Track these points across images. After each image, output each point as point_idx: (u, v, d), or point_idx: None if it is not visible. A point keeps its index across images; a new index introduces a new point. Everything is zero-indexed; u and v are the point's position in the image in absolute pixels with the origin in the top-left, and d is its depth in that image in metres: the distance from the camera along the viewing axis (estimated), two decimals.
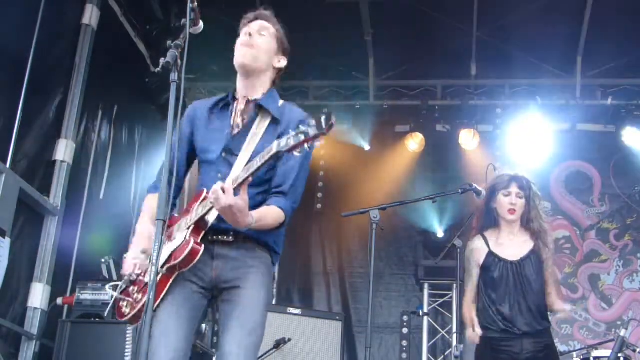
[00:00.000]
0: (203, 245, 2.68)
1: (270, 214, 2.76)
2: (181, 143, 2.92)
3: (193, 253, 2.65)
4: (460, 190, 4.52)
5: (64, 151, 5.61)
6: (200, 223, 2.72)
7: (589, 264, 7.78)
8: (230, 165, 2.82)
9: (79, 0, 5.96)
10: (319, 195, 8.24)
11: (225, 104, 2.99)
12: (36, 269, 5.32)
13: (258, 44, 2.94)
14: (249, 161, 2.70)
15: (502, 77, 7.95)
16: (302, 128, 2.40)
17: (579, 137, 8.04)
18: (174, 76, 2.60)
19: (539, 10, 6.99)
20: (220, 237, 2.77)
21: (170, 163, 2.55)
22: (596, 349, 5.38)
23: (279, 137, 2.64)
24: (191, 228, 2.71)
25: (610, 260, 7.74)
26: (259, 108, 2.91)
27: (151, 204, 2.85)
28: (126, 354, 4.64)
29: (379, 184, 7.88)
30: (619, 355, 4.76)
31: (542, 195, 4.30)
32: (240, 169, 2.73)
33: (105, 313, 2.98)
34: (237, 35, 3.04)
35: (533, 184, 4.16)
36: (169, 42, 2.66)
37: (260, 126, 2.86)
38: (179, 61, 2.62)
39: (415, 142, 8.08)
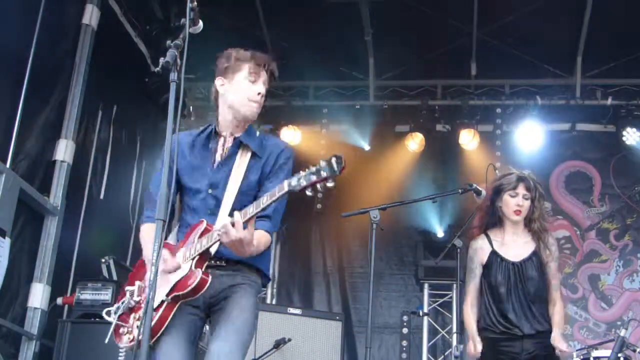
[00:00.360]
0: (210, 277, 2.76)
1: (262, 239, 2.87)
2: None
3: (202, 283, 2.74)
4: (460, 190, 4.52)
5: (64, 151, 5.60)
6: (203, 254, 2.79)
7: (589, 264, 7.77)
8: (217, 200, 2.92)
9: (79, 0, 5.96)
10: (319, 195, 8.21)
11: (206, 140, 3.05)
12: (36, 269, 5.31)
13: (262, 102, 3.04)
14: (237, 196, 2.86)
15: (502, 77, 7.95)
16: (313, 169, 2.48)
17: (579, 137, 8.05)
18: (173, 76, 2.61)
19: (539, 10, 6.98)
20: (212, 261, 2.86)
21: (170, 161, 2.58)
22: (596, 349, 5.37)
23: (263, 169, 2.93)
24: (196, 259, 2.78)
25: (610, 260, 7.74)
26: (240, 143, 3.00)
27: (149, 233, 2.89)
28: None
29: (379, 184, 7.87)
30: (619, 355, 4.75)
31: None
32: (228, 204, 2.87)
33: (107, 339, 3.00)
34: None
35: (538, 184, 4.15)
36: (168, 42, 2.66)
37: (242, 160, 2.96)
38: (178, 61, 2.62)
39: (415, 142, 8.07)
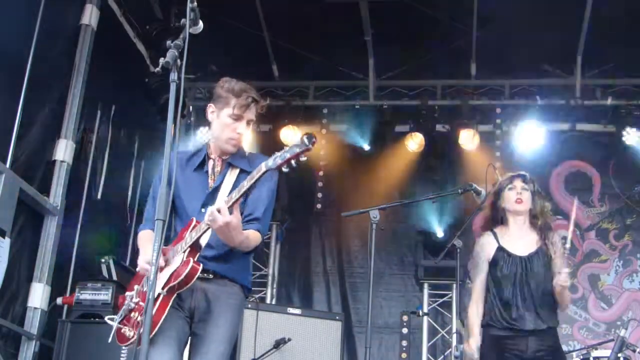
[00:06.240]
0: (201, 265, 2.90)
1: (252, 235, 3.04)
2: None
3: (193, 271, 2.87)
4: (460, 190, 4.52)
5: (63, 151, 5.61)
6: (194, 246, 2.93)
7: (589, 264, 7.77)
8: None
9: (79, 0, 5.96)
10: (319, 195, 8.22)
11: (200, 163, 3.20)
12: (36, 269, 5.32)
13: (244, 136, 3.19)
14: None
15: (502, 77, 7.95)
16: (287, 148, 2.68)
17: (579, 137, 8.03)
18: (173, 76, 2.62)
19: (539, 10, 6.98)
20: (201, 274, 2.96)
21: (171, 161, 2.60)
22: (596, 349, 5.38)
23: None
24: (187, 251, 2.92)
25: (610, 260, 7.73)
26: (229, 164, 3.19)
27: (146, 236, 3.10)
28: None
29: (379, 184, 7.87)
30: (619, 355, 4.76)
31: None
32: None
33: (109, 339, 3.08)
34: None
35: (536, 182, 4.20)
36: (168, 42, 2.67)
37: (231, 177, 3.13)
38: (178, 61, 2.63)
39: (415, 142, 8.07)
